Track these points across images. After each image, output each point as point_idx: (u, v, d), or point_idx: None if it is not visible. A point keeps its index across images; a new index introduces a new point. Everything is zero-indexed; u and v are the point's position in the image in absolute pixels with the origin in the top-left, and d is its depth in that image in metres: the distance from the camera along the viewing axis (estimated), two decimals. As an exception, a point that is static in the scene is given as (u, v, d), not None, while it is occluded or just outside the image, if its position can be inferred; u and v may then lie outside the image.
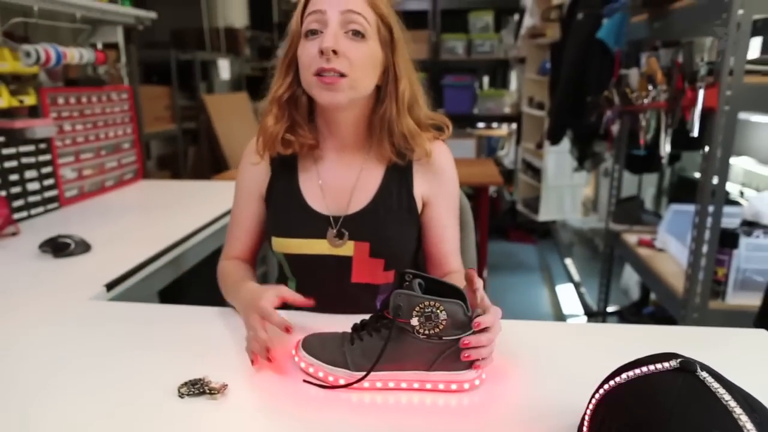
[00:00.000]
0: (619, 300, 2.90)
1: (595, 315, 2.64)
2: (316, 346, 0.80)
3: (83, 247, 1.35)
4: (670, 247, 1.89)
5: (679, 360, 0.54)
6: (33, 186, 1.70)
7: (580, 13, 2.65)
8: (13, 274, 1.23)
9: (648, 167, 2.48)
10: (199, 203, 1.93)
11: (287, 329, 0.80)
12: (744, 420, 0.48)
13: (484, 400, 0.73)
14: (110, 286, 1.15)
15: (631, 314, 2.44)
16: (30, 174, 1.69)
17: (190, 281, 1.56)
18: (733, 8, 1.35)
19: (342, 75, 0.87)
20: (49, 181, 1.77)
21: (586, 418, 0.59)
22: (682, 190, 2.29)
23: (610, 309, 2.57)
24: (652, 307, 2.35)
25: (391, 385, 0.76)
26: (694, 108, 1.38)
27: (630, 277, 3.22)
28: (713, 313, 1.55)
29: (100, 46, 2.04)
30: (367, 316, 0.81)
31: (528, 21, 3.33)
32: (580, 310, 2.90)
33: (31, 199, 1.70)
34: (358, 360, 0.76)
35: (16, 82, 1.70)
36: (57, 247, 1.33)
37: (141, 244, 1.42)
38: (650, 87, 1.62)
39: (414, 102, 0.97)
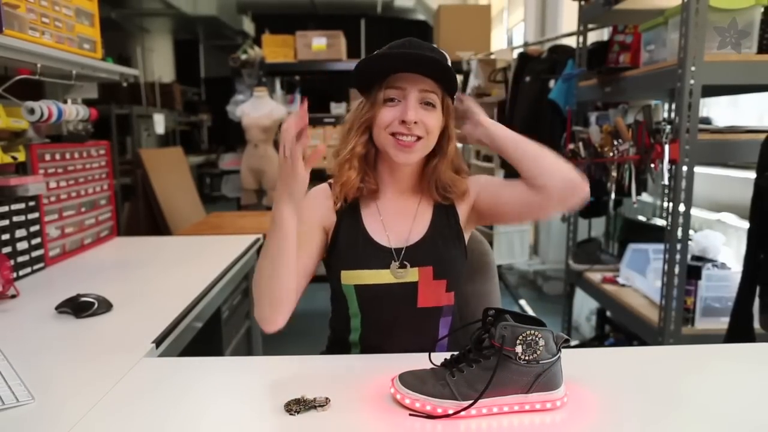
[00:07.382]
0: (572, 335, 3.10)
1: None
2: (415, 382, 0.86)
3: (106, 306, 1.31)
4: (635, 282, 2.11)
5: None
6: (22, 245, 1.62)
7: (528, 77, 2.97)
8: (44, 340, 1.16)
9: (596, 212, 2.76)
10: (191, 257, 1.92)
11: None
12: None
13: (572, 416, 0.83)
14: (157, 343, 1.13)
15: (594, 347, 2.64)
16: (20, 233, 1.61)
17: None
18: (686, 78, 1.63)
19: (419, 138, 1.04)
20: (36, 240, 1.69)
21: None
22: (629, 231, 2.57)
23: (572, 344, 2.76)
24: (613, 338, 2.57)
25: (495, 410, 0.84)
26: (662, 160, 1.61)
27: (579, 314, 3.47)
28: (686, 337, 1.75)
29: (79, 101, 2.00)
30: (447, 354, 0.90)
31: (473, 81, 3.64)
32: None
33: (20, 259, 1.61)
34: (463, 390, 0.83)
35: (4, 139, 1.63)
36: (79, 308, 1.28)
37: (159, 299, 1.40)
38: (615, 142, 1.86)
39: (455, 156, 1.13)
